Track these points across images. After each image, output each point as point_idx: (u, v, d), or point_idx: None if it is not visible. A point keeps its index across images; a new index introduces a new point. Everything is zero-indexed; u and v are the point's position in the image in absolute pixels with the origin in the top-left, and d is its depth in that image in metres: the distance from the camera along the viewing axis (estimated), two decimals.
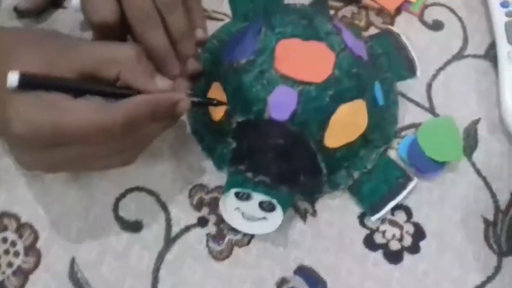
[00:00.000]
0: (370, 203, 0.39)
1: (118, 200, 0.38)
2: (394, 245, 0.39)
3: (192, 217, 0.38)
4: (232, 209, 0.36)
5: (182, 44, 0.40)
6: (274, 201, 0.35)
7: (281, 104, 0.36)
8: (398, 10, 0.47)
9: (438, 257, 0.39)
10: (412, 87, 0.44)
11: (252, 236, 0.38)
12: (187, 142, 0.40)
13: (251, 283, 0.37)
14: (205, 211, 0.39)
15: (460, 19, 0.47)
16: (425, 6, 0.47)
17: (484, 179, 0.41)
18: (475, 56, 0.46)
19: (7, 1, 0.44)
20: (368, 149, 0.40)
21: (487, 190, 0.41)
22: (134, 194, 0.38)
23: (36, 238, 0.37)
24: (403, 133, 0.42)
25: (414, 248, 0.39)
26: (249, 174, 0.35)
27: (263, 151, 0.36)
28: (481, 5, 0.48)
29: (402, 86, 0.44)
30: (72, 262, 0.36)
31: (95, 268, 0.36)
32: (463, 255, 0.39)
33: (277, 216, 0.36)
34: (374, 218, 0.39)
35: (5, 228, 0.37)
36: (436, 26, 0.47)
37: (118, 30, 0.37)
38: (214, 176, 0.39)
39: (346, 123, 0.37)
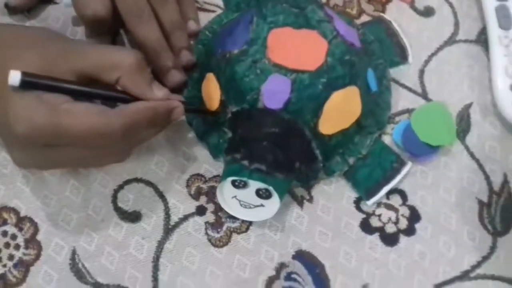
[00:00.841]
0: (365, 188, 0.40)
1: (116, 191, 0.39)
2: (390, 228, 0.40)
3: (191, 206, 0.39)
4: (230, 197, 0.37)
5: (175, 36, 0.41)
6: (270, 188, 0.36)
7: (274, 93, 0.37)
8: None
9: (434, 239, 0.40)
10: (404, 73, 0.45)
11: (250, 223, 0.39)
12: (183, 132, 0.41)
13: (250, 269, 0.38)
14: (203, 200, 0.40)
15: (451, 4, 0.48)
16: None
17: (477, 161, 0.43)
18: (466, 41, 0.47)
19: None
20: (362, 135, 0.41)
21: (480, 172, 0.42)
22: (132, 185, 0.39)
23: (36, 230, 0.37)
24: (397, 119, 0.43)
25: (409, 231, 0.40)
26: (245, 162, 0.36)
27: (258, 140, 0.37)
28: None
29: (395, 72, 0.45)
30: (73, 253, 0.37)
31: (95, 258, 0.37)
32: (458, 236, 0.40)
33: (274, 202, 0.37)
34: (370, 202, 0.40)
35: (4, 222, 0.38)
36: (427, 12, 0.48)
37: (110, 24, 0.38)
38: (211, 166, 0.40)
39: (340, 110, 0.38)
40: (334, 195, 0.41)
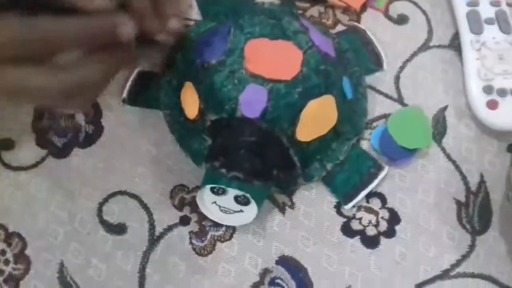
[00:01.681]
0: (343, 193, 0.42)
1: (101, 204, 0.41)
2: (371, 231, 0.41)
3: (174, 216, 0.41)
4: (210, 203, 0.39)
5: (163, 2, 0.36)
6: (248, 195, 0.37)
7: (252, 102, 0.38)
8: (364, 7, 0.50)
9: (414, 240, 0.41)
10: (380, 80, 0.47)
11: (233, 231, 0.41)
12: (166, 145, 0.43)
13: (235, 275, 0.39)
14: (186, 210, 0.41)
15: (424, 12, 0.50)
16: (390, 1, 0.50)
17: (454, 162, 0.44)
18: (440, 46, 0.49)
19: None
20: (339, 142, 0.43)
21: (457, 173, 0.44)
22: (116, 198, 0.41)
23: (24, 245, 0.39)
24: (374, 124, 0.45)
25: (390, 233, 0.41)
26: (223, 171, 0.37)
27: (236, 148, 0.38)
28: None
29: (371, 79, 0.47)
30: (61, 266, 0.39)
31: (83, 271, 0.39)
32: (437, 237, 0.42)
33: (252, 209, 0.38)
34: (348, 207, 0.41)
35: None
36: (401, 20, 0.50)
37: None
38: (193, 176, 0.42)
39: (316, 118, 0.40)
40: (315, 200, 0.42)
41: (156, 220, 0.40)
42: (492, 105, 0.44)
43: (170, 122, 0.43)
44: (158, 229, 0.40)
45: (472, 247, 0.41)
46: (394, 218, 0.42)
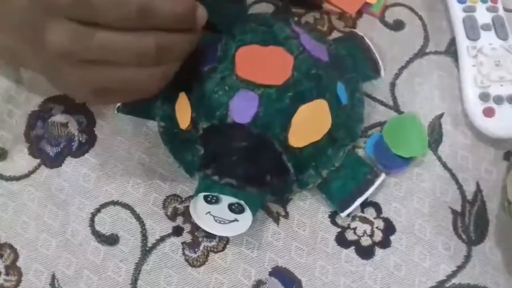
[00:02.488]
0: (339, 200, 0.42)
1: (93, 215, 0.41)
2: (365, 241, 0.42)
3: (167, 227, 0.41)
4: (204, 214, 0.39)
5: None
6: (242, 202, 0.37)
7: (243, 108, 0.38)
8: (359, 13, 0.50)
9: (409, 250, 0.41)
10: (376, 87, 0.47)
11: (227, 241, 0.41)
12: (159, 155, 0.43)
13: (228, 287, 0.40)
14: (179, 220, 0.41)
15: (420, 17, 0.50)
16: (386, 7, 0.51)
17: (450, 171, 0.44)
18: (436, 52, 0.49)
19: None
20: (335, 148, 0.43)
21: (453, 182, 0.44)
22: (109, 208, 0.41)
23: (16, 256, 0.39)
24: (369, 132, 0.45)
25: (385, 243, 0.42)
26: (216, 178, 0.38)
27: (228, 154, 0.39)
28: (440, 3, 0.51)
29: (366, 86, 0.47)
30: (53, 278, 0.39)
31: (75, 282, 0.39)
32: (433, 247, 0.42)
33: (247, 217, 0.38)
34: (344, 214, 0.41)
35: None
36: (397, 26, 0.50)
37: None
38: (187, 186, 0.42)
39: (309, 123, 0.40)
40: (309, 210, 0.42)
41: (148, 230, 0.41)
42: (488, 112, 0.44)
43: (163, 133, 0.43)
44: (151, 240, 0.40)
45: (468, 257, 0.41)
46: (389, 228, 0.42)
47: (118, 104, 0.44)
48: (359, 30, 0.49)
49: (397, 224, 0.42)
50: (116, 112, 0.44)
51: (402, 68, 0.48)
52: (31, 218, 0.40)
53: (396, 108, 0.46)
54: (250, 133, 0.39)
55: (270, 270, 0.40)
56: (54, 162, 0.42)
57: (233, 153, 0.39)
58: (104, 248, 0.40)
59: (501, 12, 0.48)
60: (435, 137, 0.45)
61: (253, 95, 0.39)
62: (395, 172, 0.44)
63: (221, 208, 0.39)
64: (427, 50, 0.49)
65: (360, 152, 0.44)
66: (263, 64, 0.40)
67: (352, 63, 0.47)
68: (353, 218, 0.42)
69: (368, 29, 0.49)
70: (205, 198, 0.38)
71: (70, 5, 0.31)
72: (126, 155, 0.43)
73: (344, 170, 0.43)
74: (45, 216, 0.40)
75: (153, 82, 0.35)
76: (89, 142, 0.43)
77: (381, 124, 0.45)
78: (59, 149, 0.43)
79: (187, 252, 0.40)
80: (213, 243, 0.41)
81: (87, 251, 0.40)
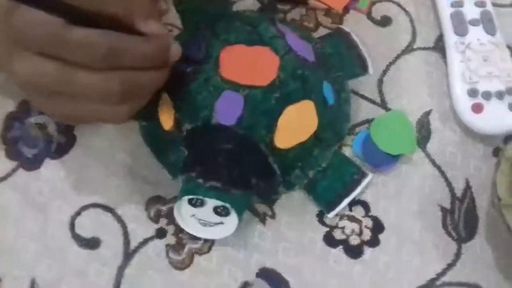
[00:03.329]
0: (325, 201, 0.42)
1: (73, 218, 0.40)
2: (354, 240, 0.42)
3: (150, 229, 0.41)
4: (188, 216, 0.39)
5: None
6: (227, 205, 0.37)
7: (227, 109, 0.38)
8: (346, 9, 0.50)
9: (398, 249, 0.41)
10: (363, 84, 0.47)
11: (212, 243, 0.41)
12: (141, 156, 0.43)
13: None
14: (163, 222, 0.41)
15: (407, 13, 0.50)
16: (373, 3, 0.51)
17: (439, 168, 0.44)
18: (424, 48, 0.49)
19: None
20: (321, 148, 0.43)
21: (442, 179, 0.44)
22: (89, 211, 0.41)
23: None
24: (357, 130, 0.45)
25: (373, 242, 0.42)
26: (200, 180, 0.37)
27: (212, 157, 0.38)
28: None
29: (353, 83, 0.47)
30: (32, 283, 0.38)
31: (56, 287, 0.38)
32: (422, 245, 0.42)
33: (233, 219, 0.38)
34: (330, 215, 0.41)
35: None
36: (384, 22, 0.50)
37: None
38: (170, 188, 0.42)
39: (295, 124, 0.40)
40: (296, 210, 0.42)
41: (131, 233, 0.40)
42: (477, 108, 0.45)
43: (145, 134, 0.43)
44: (133, 243, 0.40)
45: (458, 255, 0.42)
46: (377, 227, 0.42)
47: None
48: (346, 27, 0.49)
49: (386, 222, 0.42)
50: None
51: (390, 65, 0.48)
52: (9, 222, 0.40)
53: (383, 105, 0.46)
54: (235, 135, 0.39)
55: (257, 271, 0.40)
56: (32, 164, 0.42)
57: (218, 155, 0.39)
58: (85, 252, 0.39)
59: (489, 7, 0.48)
60: (423, 134, 0.46)
61: (238, 96, 0.38)
62: (383, 170, 0.44)
63: (206, 211, 0.39)
64: (415, 46, 0.49)
65: (348, 150, 0.44)
66: (248, 64, 0.40)
67: (339, 60, 0.47)
68: (341, 217, 0.42)
69: (355, 25, 0.49)
70: (190, 201, 0.38)
71: (42, 40, 0.31)
72: (107, 156, 0.43)
73: (331, 171, 0.43)
74: (24, 220, 0.40)
75: (118, 117, 0.36)
76: (68, 143, 0.43)
77: (368, 121, 0.45)
78: (37, 151, 0.42)
79: (171, 255, 0.40)
80: (198, 245, 0.40)
81: (68, 255, 0.39)
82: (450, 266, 0.41)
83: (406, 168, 0.44)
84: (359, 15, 0.50)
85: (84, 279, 0.39)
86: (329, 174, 0.42)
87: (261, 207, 0.42)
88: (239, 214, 0.38)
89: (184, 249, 0.40)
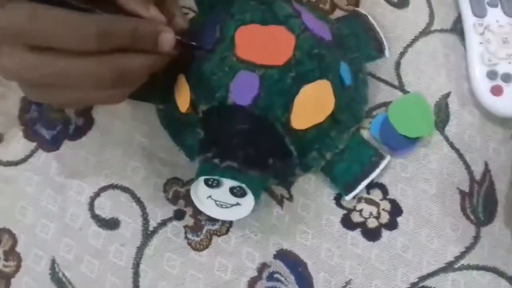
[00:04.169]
0: (343, 183, 0.42)
1: (93, 199, 0.41)
2: (372, 223, 0.42)
3: (169, 210, 0.42)
4: (205, 198, 0.40)
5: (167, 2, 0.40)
6: (243, 185, 0.38)
7: (243, 89, 0.39)
8: None
9: (416, 232, 0.42)
10: (381, 66, 0.47)
11: (230, 225, 0.41)
12: (159, 139, 0.44)
13: (232, 270, 0.40)
14: (181, 204, 0.42)
15: None
16: None
17: (457, 151, 0.45)
18: (442, 30, 0.49)
19: None
20: (338, 130, 0.43)
21: (461, 162, 0.44)
22: (108, 192, 0.42)
23: (15, 242, 0.40)
24: (374, 113, 0.46)
25: (391, 225, 0.42)
26: (216, 161, 0.38)
27: (228, 137, 0.39)
28: None
29: (371, 66, 0.47)
30: (53, 262, 0.39)
31: (75, 267, 0.39)
32: (440, 228, 0.42)
33: (249, 200, 0.39)
34: (349, 197, 0.42)
35: None
36: (401, 3, 0.50)
37: None
38: (188, 170, 0.43)
39: (311, 104, 0.40)
40: (314, 192, 0.43)
41: (149, 214, 0.41)
42: (496, 91, 0.45)
43: (162, 117, 0.43)
44: (152, 224, 0.41)
45: (476, 238, 0.42)
46: (395, 210, 0.43)
47: None
48: (362, 9, 0.49)
49: (404, 205, 0.43)
50: None
51: (407, 47, 0.48)
52: (30, 203, 0.41)
53: (401, 87, 0.47)
54: (251, 115, 0.39)
55: (275, 253, 0.41)
56: (51, 145, 0.43)
57: (234, 135, 0.39)
58: (105, 232, 0.40)
59: None
60: (442, 116, 0.46)
61: (253, 76, 0.39)
62: (401, 153, 0.44)
63: (223, 192, 0.39)
64: (433, 28, 0.49)
65: (365, 133, 0.45)
66: (263, 44, 0.40)
67: (356, 42, 0.47)
68: (359, 200, 0.43)
69: (371, 7, 0.49)
70: (206, 182, 0.39)
71: (26, 30, 0.31)
72: (125, 138, 0.43)
73: (349, 153, 0.43)
74: (44, 201, 0.41)
75: (111, 100, 0.37)
76: (86, 125, 0.44)
77: (386, 104, 0.46)
78: (55, 132, 0.43)
79: (189, 236, 0.41)
80: (216, 226, 0.41)
81: (87, 236, 0.40)
82: (468, 249, 0.42)
83: (424, 151, 0.45)
84: None
85: (103, 259, 0.40)
86: (346, 156, 0.43)
87: (278, 190, 0.43)
88: (255, 194, 0.39)
89: (202, 231, 0.41)
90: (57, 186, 0.41)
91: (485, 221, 0.43)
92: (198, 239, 0.41)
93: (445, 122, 0.46)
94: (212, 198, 0.40)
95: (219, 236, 0.41)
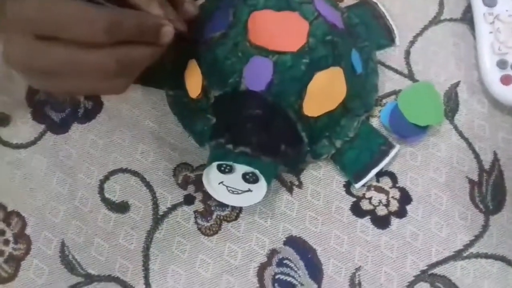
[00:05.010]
0: (353, 171, 0.43)
1: (102, 182, 0.42)
2: (381, 211, 0.43)
3: (179, 195, 0.42)
4: (216, 184, 0.40)
5: None
6: (257, 171, 0.38)
7: (256, 75, 0.39)
8: None
9: (425, 220, 0.43)
10: (390, 55, 0.48)
11: (240, 211, 0.42)
12: (168, 124, 0.44)
13: (241, 256, 0.41)
14: (191, 189, 0.42)
15: None
16: None
17: (466, 140, 0.46)
18: (451, 19, 0.50)
19: None
20: (349, 118, 0.44)
21: (470, 151, 0.45)
22: (118, 175, 0.42)
23: (24, 225, 0.40)
24: (384, 101, 0.46)
25: (401, 212, 0.43)
26: (230, 146, 0.38)
27: (242, 123, 0.39)
28: None
29: (380, 54, 0.48)
30: (62, 245, 0.40)
31: (85, 250, 0.40)
32: (450, 216, 0.43)
33: (261, 187, 0.39)
34: (358, 185, 0.43)
35: None
36: None
37: None
38: (197, 155, 0.43)
39: (324, 91, 0.41)
40: (323, 179, 0.44)
41: (159, 198, 0.42)
42: (506, 80, 0.46)
43: (172, 103, 0.44)
44: (162, 208, 0.42)
45: (485, 227, 0.43)
46: (405, 198, 0.43)
47: None
48: None
49: (413, 193, 0.44)
50: None
51: (417, 36, 0.49)
52: (39, 185, 0.41)
53: (411, 76, 0.48)
54: (265, 101, 0.40)
55: (284, 239, 0.42)
56: (60, 128, 0.43)
57: (247, 121, 0.40)
58: (115, 215, 0.41)
59: None
60: (451, 105, 0.47)
61: (267, 61, 0.39)
62: (411, 142, 0.45)
63: (235, 178, 0.40)
64: (442, 18, 0.50)
65: (375, 121, 0.46)
66: (277, 29, 0.40)
67: (366, 31, 0.48)
68: (369, 188, 0.43)
69: None
70: (219, 168, 0.39)
71: (36, 20, 0.32)
72: (134, 123, 0.44)
73: (359, 141, 0.44)
74: (53, 184, 0.41)
75: (114, 90, 0.37)
76: (96, 108, 0.44)
77: (396, 92, 0.47)
78: (64, 115, 0.44)
79: (199, 221, 0.42)
80: (226, 212, 0.42)
81: (97, 219, 0.41)
82: (477, 237, 0.43)
83: (433, 140, 0.45)
84: None
85: (113, 242, 0.40)
86: (356, 144, 0.44)
87: (288, 177, 0.43)
88: (268, 180, 0.39)
89: (212, 216, 0.42)
90: (66, 168, 0.42)
91: (494, 210, 0.44)
92: (208, 224, 0.42)
93: (454, 111, 0.47)
94: (223, 184, 0.40)
95: (228, 222, 0.42)
